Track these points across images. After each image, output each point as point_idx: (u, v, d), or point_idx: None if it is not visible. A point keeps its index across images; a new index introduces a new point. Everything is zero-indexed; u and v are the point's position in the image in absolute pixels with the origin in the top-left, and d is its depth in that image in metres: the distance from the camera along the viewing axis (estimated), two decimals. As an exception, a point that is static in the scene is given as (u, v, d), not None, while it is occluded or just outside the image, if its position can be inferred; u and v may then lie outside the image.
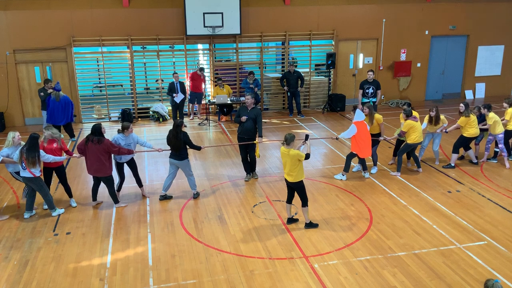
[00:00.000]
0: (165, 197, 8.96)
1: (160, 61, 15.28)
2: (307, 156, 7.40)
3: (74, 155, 8.62)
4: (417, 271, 6.45)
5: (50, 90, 12.54)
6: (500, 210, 8.35)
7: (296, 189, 7.60)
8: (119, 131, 8.73)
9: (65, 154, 8.62)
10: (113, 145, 8.31)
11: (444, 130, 10.33)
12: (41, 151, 7.92)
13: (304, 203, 7.62)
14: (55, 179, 8.84)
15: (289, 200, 7.83)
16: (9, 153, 8.02)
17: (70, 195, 8.81)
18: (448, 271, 6.44)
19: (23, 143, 8.04)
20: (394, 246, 7.11)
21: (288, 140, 7.31)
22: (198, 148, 9.00)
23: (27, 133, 8.57)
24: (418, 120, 9.76)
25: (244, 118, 9.42)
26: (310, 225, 7.75)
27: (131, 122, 9.95)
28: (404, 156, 10.45)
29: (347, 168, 9.81)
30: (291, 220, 7.91)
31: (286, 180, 7.63)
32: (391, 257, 6.81)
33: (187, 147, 8.70)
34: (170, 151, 8.73)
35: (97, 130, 8.22)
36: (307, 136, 7.90)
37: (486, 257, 6.79)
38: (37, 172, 7.87)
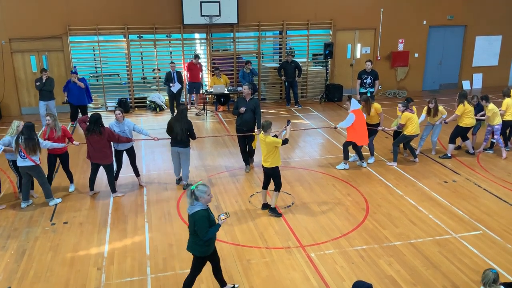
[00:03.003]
0: (181, 180, 9.05)
1: (157, 50, 15.21)
2: (285, 142, 7.53)
3: (74, 142, 8.63)
4: (412, 260, 6.49)
5: (44, 78, 12.59)
6: (496, 200, 8.39)
7: (271, 175, 7.71)
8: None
9: (68, 141, 8.65)
10: (113, 134, 8.31)
11: (444, 121, 10.35)
12: (39, 138, 7.93)
13: (277, 188, 7.76)
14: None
15: (265, 186, 7.94)
16: (12, 141, 8.03)
17: (71, 181, 8.90)
18: (443, 261, 6.49)
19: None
20: (390, 236, 7.16)
21: (265, 128, 7.42)
22: (194, 137, 9.00)
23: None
24: (414, 113, 9.78)
25: (243, 109, 9.38)
26: (274, 211, 7.86)
27: (127, 112, 9.93)
28: (401, 146, 10.47)
29: (346, 156, 9.84)
30: (266, 206, 8.03)
31: (262, 166, 7.73)
32: (387, 247, 6.86)
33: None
34: (171, 140, 8.71)
35: (98, 120, 8.17)
36: (288, 121, 8.02)
37: (481, 246, 6.84)
38: (37, 159, 7.88)
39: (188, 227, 5.34)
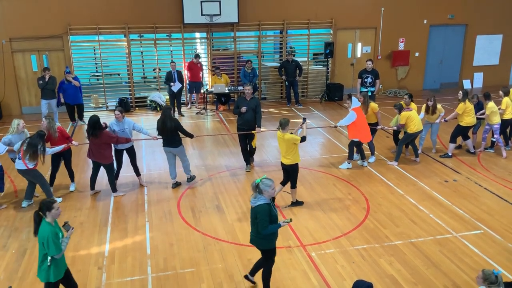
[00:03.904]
0: (176, 184, 9.03)
1: (157, 49, 15.20)
2: (303, 139, 7.61)
3: (73, 142, 8.64)
4: (413, 260, 6.49)
5: (47, 77, 12.64)
6: (497, 199, 8.39)
7: (290, 171, 7.80)
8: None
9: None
10: (111, 136, 8.30)
11: (443, 120, 10.34)
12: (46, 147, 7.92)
13: (294, 185, 7.90)
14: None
15: (284, 183, 8.00)
16: (12, 140, 8.04)
17: (72, 179, 8.90)
18: (444, 260, 6.49)
19: (26, 131, 8.08)
20: (391, 235, 7.16)
21: (283, 125, 7.53)
22: (190, 135, 8.99)
23: (25, 122, 8.56)
24: (413, 110, 9.76)
25: (244, 109, 9.39)
26: (297, 203, 8.06)
27: (128, 111, 9.94)
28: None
29: (351, 155, 9.84)
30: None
31: (282, 163, 7.81)
32: (387, 246, 6.86)
33: (179, 134, 8.72)
34: (163, 140, 8.75)
35: (95, 124, 8.14)
36: (304, 119, 8.11)
37: (482, 245, 6.84)
38: (30, 165, 7.82)
39: (250, 220, 5.48)
